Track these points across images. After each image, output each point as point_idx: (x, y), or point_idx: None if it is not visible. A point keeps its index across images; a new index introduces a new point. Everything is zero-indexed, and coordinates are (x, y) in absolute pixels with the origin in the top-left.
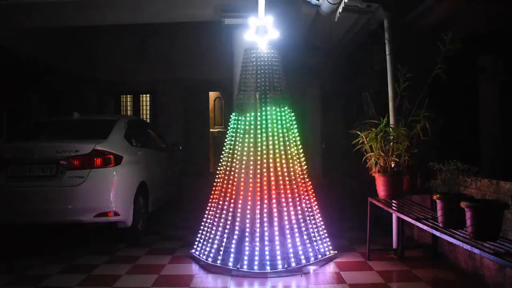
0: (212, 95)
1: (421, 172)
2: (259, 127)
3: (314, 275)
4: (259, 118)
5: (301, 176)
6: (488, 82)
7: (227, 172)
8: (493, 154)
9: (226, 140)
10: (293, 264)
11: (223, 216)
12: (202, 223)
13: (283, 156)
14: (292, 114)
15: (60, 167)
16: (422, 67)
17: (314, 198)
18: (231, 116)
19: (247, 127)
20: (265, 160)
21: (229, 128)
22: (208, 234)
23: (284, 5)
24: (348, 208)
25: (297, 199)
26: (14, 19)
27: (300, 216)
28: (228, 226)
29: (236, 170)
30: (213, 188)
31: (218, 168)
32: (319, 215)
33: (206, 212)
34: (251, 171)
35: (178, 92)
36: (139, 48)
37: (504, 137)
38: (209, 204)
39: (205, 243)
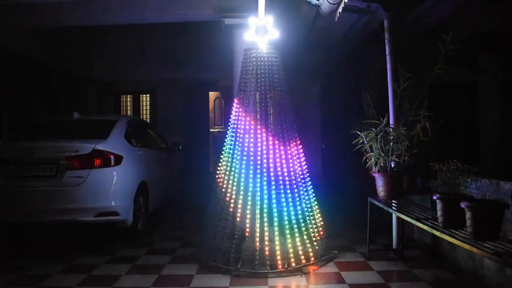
0: (212, 95)
1: (421, 172)
2: (259, 127)
3: (314, 275)
4: (259, 118)
5: (301, 176)
6: (488, 82)
7: (227, 172)
8: (493, 154)
9: (226, 140)
10: (293, 264)
11: (223, 216)
12: (202, 223)
13: (283, 156)
14: (292, 113)
15: (60, 167)
16: (422, 67)
17: (314, 198)
18: (231, 116)
19: (247, 127)
20: (265, 160)
21: (229, 128)
22: (208, 234)
23: (284, 5)
24: (348, 208)
25: (297, 199)
26: (14, 18)
27: (300, 216)
28: (228, 226)
29: (236, 170)
30: (213, 188)
31: (218, 168)
32: (319, 215)
33: (206, 212)
34: (251, 171)
35: (178, 92)
36: (139, 48)
37: (504, 137)
38: (209, 204)
39: (205, 243)
